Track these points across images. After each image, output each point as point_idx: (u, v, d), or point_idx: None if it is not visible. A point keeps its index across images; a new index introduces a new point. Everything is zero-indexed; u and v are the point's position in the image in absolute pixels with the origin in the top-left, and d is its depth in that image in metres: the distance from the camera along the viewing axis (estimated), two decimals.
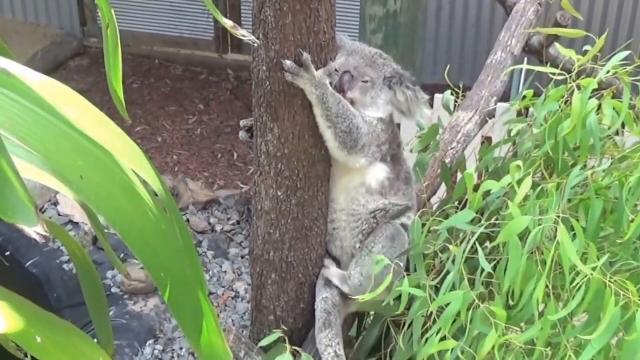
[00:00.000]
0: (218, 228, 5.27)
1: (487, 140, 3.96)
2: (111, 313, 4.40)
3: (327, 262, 2.69)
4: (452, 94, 3.03)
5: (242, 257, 5.01)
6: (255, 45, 1.92)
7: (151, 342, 4.37)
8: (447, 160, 2.89)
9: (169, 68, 7.54)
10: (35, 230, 1.18)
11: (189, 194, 5.42)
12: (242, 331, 4.28)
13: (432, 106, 4.09)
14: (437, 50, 7.30)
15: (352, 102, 2.46)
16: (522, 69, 3.69)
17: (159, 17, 7.73)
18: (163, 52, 7.70)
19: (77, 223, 5.01)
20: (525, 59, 4.10)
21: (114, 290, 4.62)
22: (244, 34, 1.83)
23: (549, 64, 3.31)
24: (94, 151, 1.38)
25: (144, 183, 1.47)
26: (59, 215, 5.10)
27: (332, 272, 2.66)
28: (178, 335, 4.42)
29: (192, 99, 7.04)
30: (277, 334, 2.56)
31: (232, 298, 4.70)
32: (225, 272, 4.89)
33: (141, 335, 4.38)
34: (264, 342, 2.59)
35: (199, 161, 6.21)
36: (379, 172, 2.56)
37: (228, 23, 1.78)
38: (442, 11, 7.21)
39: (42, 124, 1.34)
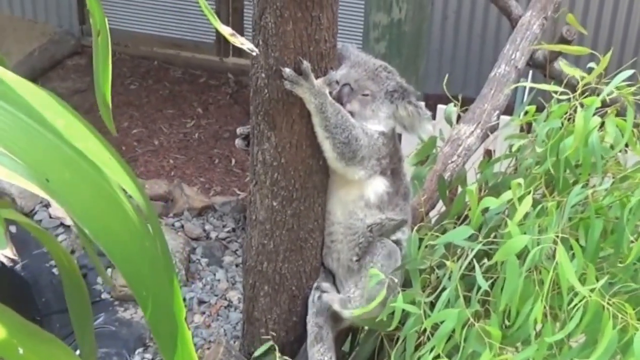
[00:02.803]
0: (213, 235, 5.22)
1: (488, 153, 3.93)
2: (100, 320, 4.35)
3: (326, 285, 2.64)
4: (454, 106, 2.99)
5: (237, 266, 4.96)
6: (254, 53, 1.89)
7: (140, 350, 4.31)
8: (447, 174, 2.86)
9: (168, 70, 7.50)
10: (3, 254, 1.15)
11: (184, 199, 5.37)
12: (234, 341, 4.24)
13: (434, 117, 4.07)
14: (442, 60, 7.26)
15: (352, 115, 2.43)
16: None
17: (159, 17, 7.69)
18: (162, 53, 7.65)
19: (68, 226, 4.94)
20: (530, 73, 4.07)
21: (104, 296, 4.56)
22: (243, 42, 1.79)
23: (553, 79, 3.28)
24: (81, 164, 1.36)
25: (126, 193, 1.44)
26: (50, 217, 5.03)
27: (333, 297, 2.61)
28: None
29: (190, 102, 6.99)
30: (268, 343, 2.54)
31: (225, 307, 4.64)
32: (219, 280, 4.83)
33: (130, 343, 4.32)
34: (257, 353, 2.56)
35: (196, 166, 6.16)
36: (378, 186, 2.53)
37: (226, 30, 1.75)
38: (447, 20, 7.17)
39: (30, 133, 1.32)
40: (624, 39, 6.88)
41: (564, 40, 3.33)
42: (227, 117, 6.81)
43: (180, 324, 1.49)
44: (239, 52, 7.41)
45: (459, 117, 3.10)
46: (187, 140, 6.47)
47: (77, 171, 1.34)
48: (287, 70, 2.28)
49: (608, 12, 6.85)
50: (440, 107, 4.23)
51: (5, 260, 1.15)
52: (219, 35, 7.43)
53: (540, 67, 3.58)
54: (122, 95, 6.86)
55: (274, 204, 2.49)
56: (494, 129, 3.11)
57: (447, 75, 2.96)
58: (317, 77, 2.33)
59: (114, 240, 1.35)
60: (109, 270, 4.57)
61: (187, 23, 7.61)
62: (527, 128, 2.70)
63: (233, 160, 6.26)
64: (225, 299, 4.74)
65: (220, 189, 5.92)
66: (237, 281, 4.83)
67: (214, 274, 4.89)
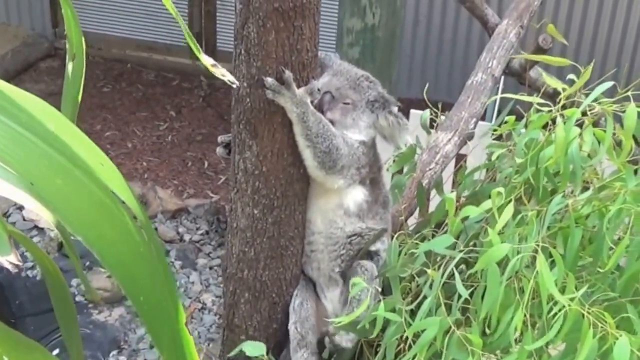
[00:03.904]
0: (186, 237, 5.22)
1: (465, 160, 3.94)
2: None
3: (333, 328, 2.52)
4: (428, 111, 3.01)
5: (210, 268, 4.97)
6: (234, 85, 1.90)
7: (115, 352, 4.31)
8: (425, 182, 2.87)
9: (141, 73, 7.48)
10: (7, 260, 1.14)
11: (158, 202, 5.37)
12: (209, 344, 4.24)
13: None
14: (413, 64, 7.30)
15: (332, 123, 2.43)
16: (498, 88, 3.68)
17: (131, 20, 7.67)
18: (135, 56, 7.64)
19: (42, 229, 4.93)
20: (502, 79, 4.10)
21: (78, 298, 4.55)
22: (224, 73, 1.81)
23: (529, 86, 3.31)
24: (73, 170, 1.35)
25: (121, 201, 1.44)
26: (24, 220, 5.01)
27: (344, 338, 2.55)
28: (142, 347, 4.36)
29: (163, 105, 6.98)
30: (248, 343, 2.55)
31: (199, 310, 4.65)
32: (193, 282, 4.83)
33: (105, 346, 4.31)
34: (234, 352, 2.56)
35: (169, 168, 6.15)
36: (357, 195, 2.53)
37: (208, 61, 1.77)
38: (418, 25, 7.21)
39: (19, 140, 1.31)
40: (591, 46, 6.97)
41: (540, 49, 3.36)
42: (199, 120, 6.81)
43: (181, 328, 1.49)
44: (212, 55, 7.38)
45: (432, 121, 3.12)
46: (160, 142, 6.46)
47: (69, 178, 1.34)
48: (269, 80, 2.28)
49: (576, 20, 6.95)
50: (414, 112, 4.24)
51: (9, 267, 1.15)
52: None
53: (516, 75, 3.60)
54: (95, 98, 6.83)
55: (255, 212, 2.49)
56: (470, 136, 3.13)
57: (427, 84, 2.98)
58: (298, 87, 2.33)
59: (108, 246, 1.35)
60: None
61: (159, 26, 7.59)
62: (504, 136, 2.72)
63: (206, 163, 6.26)
64: (199, 302, 4.75)
65: (194, 192, 5.92)
66: (211, 284, 4.84)
67: (188, 277, 4.90)
